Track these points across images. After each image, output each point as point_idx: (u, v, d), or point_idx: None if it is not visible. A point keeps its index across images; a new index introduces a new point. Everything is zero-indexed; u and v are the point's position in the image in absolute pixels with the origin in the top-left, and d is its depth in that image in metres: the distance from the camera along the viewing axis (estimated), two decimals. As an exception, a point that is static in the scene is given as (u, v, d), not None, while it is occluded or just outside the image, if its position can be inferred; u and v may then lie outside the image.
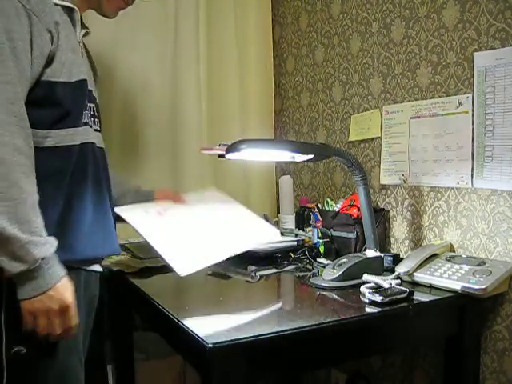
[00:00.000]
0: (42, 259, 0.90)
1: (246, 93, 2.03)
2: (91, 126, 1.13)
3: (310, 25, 1.92)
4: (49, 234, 0.94)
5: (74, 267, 1.06)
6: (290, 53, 2.05)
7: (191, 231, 1.31)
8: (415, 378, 1.48)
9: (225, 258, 1.23)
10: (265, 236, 1.39)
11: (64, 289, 0.94)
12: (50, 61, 1.00)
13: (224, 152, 1.19)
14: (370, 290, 1.08)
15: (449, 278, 1.15)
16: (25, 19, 0.95)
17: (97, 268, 1.17)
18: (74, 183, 1.05)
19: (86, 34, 1.18)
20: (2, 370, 0.94)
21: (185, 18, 1.83)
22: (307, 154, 1.24)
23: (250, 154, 1.24)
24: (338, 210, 1.56)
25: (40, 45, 0.98)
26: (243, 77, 2.02)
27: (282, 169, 2.11)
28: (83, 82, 1.08)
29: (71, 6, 1.07)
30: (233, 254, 1.25)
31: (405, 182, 1.49)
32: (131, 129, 1.80)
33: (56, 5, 1.03)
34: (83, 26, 1.16)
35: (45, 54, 0.99)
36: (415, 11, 1.44)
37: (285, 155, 1.27)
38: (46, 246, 0.91)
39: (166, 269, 1.41)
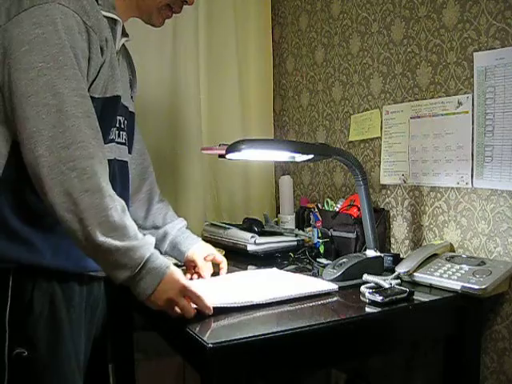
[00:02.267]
0: (145, 259, 0.92)
1: (246, 93, 2.03)
2: (114, 140, 1.12)
3: (310, 25, 1.92)
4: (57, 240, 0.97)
5: (76, 274, 1.06)
6: (290, 53, 2.05)
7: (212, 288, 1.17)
8: (415, 378, 1.48)
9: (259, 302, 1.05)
10: (319, 286, 1.17)
11: (174, 275, 0.96)
12: (95, 78, 1.00)
13: (224, 152, 1.19)
14: (370, 290, 1.08)
15: (449, 278, 1.15)
16: (85, 36, 0.96)
17: (100, 273, 1.17)
18: None
19: (126, 40, 1.18)
20: (3, 371, 0.94)
21: (184, 18, 1.82)
22: (307, 153, 1.24)
23: (250, 154, 1.24)
24: (337, 209, 1.56)
25: (95, 62, 0.98)
26: (243, 77, 2.02)
27: (282, 169, 2.11)
28: (117, 98, 1.06)
29: (117, 18, 1.06)
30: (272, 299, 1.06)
31: (405, 182, 1.49)
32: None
33: (104, 17, 1.02)
34: (124, 34, 1.16)
35: (96, 72, 0.99)
36: (415, 11, 1.44)
37: (285, 155, 1.27)
38: (144, 247, 0.93)
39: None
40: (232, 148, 1.16)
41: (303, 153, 1.24)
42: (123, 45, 1.20)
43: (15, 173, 0.95)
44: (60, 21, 0.91)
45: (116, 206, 0.92)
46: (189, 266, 1.30)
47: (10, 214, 0.95)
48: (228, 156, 1.19)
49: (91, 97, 0.98)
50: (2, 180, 0.95)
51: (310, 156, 1.24)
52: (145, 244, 0.94)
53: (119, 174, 1.14)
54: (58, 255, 1.00)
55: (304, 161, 1.28)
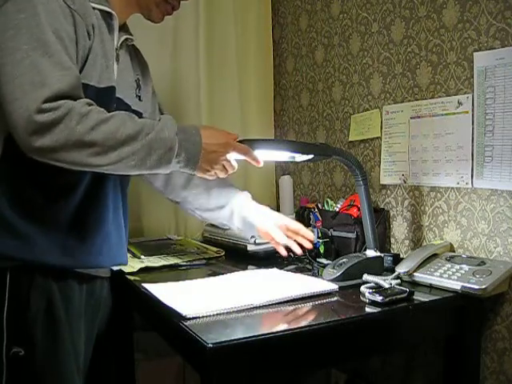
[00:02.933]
0: (175, 134, 0.97)
1: (246, 93, 2.03)
2: None
3: (310, 25, 1.92)
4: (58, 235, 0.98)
5: (76, 272, 1.06)
6: (290, 53, 2.05)
7: (212, 290, 1.16)
8: (415, 378, 1.48)
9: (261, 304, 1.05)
10: (319, 286, 1.16)
11: (211, 131, 1.04)
12: (84, 63, 1.00)
13: None
14: (370, 290, 1.08)
15: (449, 278, 1.15)
16: (70, 19, 0.97)
17: (102, 273, 1.17)
18: (86, 197, 1.05)
19: (130, 40, 1.19)
20: (1, 370, 0.95)
21: (185, 18, 1.83)
22: (307, 153, 1.24)
23: None
24: (338, 209, 1.56)
25: (82, 45, 0.99)
26: (243, 77, 2.02)
27: (282, 169, 2.11)
28: (111, 89, 1.07)
29: (109, 10, 1.07)
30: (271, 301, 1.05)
31: (405, 182, 1.49)
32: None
33: (94, 9, 1.03)
34: (125, 31, 1.17)
35: (84, 56, 0.99)
36: (415, 11, 1.44)
37: (285, 155, 1.27)
38: (165, 127, 0.97)
39: (166, 268, 1.42)
40: None
41: (303, 153, 1.24)
42: (132, 45, 1.21)
43: (11, 167, 0.96)
44: (42, 5, 0.92)
45: (125, 120, 0.93)
46: (268, 239, 1.28)
47: (7, 208, 0.95)
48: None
49: (84, 84, 0.98)
50: None
51: (310, 156, 1.24)
52: (165, 124, 0.98)
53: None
54: (56, 251, 1.00)
55: (304, 161, 1.28)
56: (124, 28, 1.18)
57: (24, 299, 0.97)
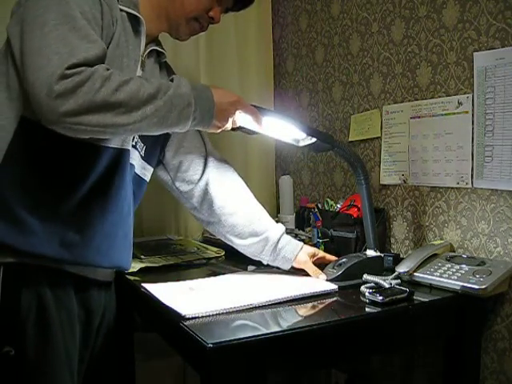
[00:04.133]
0: (191, 90, 0.99)
1: (246, 93, 2.03)
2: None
3: (310, 25, 1.92)
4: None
5: (70, 273, 1.06)
6: (290, 53, 2.05)
7: (216, 290, 1.16)
8: (415, 378, 1.48)
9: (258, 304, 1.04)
10: (318, 286, 1.16)
11: (220, 92, 1.06)
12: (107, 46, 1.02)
13: None
14: (370, 290, 1.08)
15: (449, 278, 1.15)
16: (98, 6, 1.00)
17: (101, 277, 1.16)
18: (91, 193, 1.05)
19: (162, 55, 1.25)
20: None
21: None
22: (311, 136, 1.22)
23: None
24: (337, 209, 1.56)
25: (107, 33, 1.02)
26: (243, 77, 2.02)
27: (282, 169, 2.11)
28: None
29: (136, 14, 1.09)
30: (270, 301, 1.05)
31: (405, 182, 1.49)
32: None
33: (121, 10, 1.07)
34: (156, 44, 1.21)
35: (106, 44, 1.02)
36: (415, 11, 1.44)
37: (288, 132, 1.25)
38: (181, 84, 0.99)
39: (166, 268, 1.41)
40: None
41: (307, 134, 1.22)
42: (165, 62, 1.27)
43: (20, 149, 0.97)
44: None
45: (143, 82, 0.94)
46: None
47: (7, 188, 0.96)
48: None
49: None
50: (3, 165, 0.96)
51: (314, 140, 1.23)
52: (179, 82, 1.00)
53: (115, 170, 1.12)
54: (52, 239, 0.99)
55: (306, 145, 1.26)
56: (155, 41, 1.23)
57: (15, 298, 0.96)
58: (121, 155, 1.10)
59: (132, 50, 1.09)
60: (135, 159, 1.18)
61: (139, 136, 1.17)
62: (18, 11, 0.97)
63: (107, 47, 1.01)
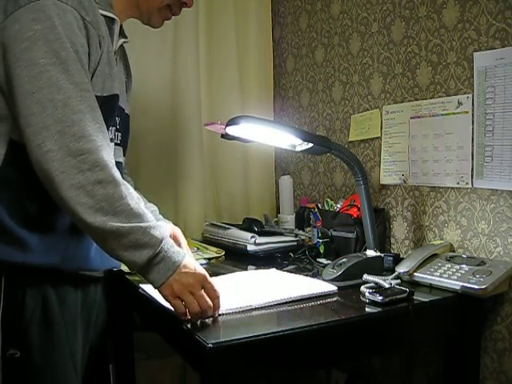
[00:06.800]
0: (163, 240, 0.91)
1: (246, 93, 2.03)
2: (112, 140, 1.13)
3: (310, 25, 1.92)
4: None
5: (70, 273, 1.06)
6: (289, 53, 2.05)
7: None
8: (415, 378, 1.48)
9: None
10: (318, 287, 1.16)
11: (193, 262, 0.95)
12: (92, 74, 1.00)
13: (224, 126, 1.20)
14: (370, 290, 1.08)
15: (449, 278, 1.15)
16: (84, 31, 0.96)
17: (96, 273, 1.16)
18: None
19: (124, 42, 1.19)
20: None
21: (184, 18, 1.82)
22: (308, 141, 1.22)
23: (250, 131, 1.23)
24: (337, 209, 1.56)
25: (94, 58, 0.99)
26: (243, 77, 2.02)
27: (282, 169, 2.11)
28: (114, 97, 1.06)
29: (114, 17, 1.06)
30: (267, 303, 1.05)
31: (405, 182, 1.49)
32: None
33: (101, 15, 1.02)
34: (122, 35, 1.16)
35: (94, 68, 0.99)
36: (415, 11, 1.44)
37: (285, 138, 1.24)
38: (161, 227, 0.92)
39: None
40: (232, 121, 1.16)
41: (303, 139, 1.22)
42: (121, 46, 1.20)
43: (12, 172, 0.95)
44: (58, 17, 0.90)
45: (131, 193, 0.92)
46: None
47: (4, 213, 0.94)
48: (228, 129, 1.19)
49: None
50: None
51: (310, 145, 1.23)
52: (161, 225, 0.93)
53: None
54: (52, 254, 1.00)
55: (303, 150, 1.26)
56: (121, 31, 1.17)
57: (19, 300, 0.96)
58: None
59: (111, 55, 1.06)
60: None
61: (118, 129, 1.17)
62: None
63: (94, 70, 0.99)
